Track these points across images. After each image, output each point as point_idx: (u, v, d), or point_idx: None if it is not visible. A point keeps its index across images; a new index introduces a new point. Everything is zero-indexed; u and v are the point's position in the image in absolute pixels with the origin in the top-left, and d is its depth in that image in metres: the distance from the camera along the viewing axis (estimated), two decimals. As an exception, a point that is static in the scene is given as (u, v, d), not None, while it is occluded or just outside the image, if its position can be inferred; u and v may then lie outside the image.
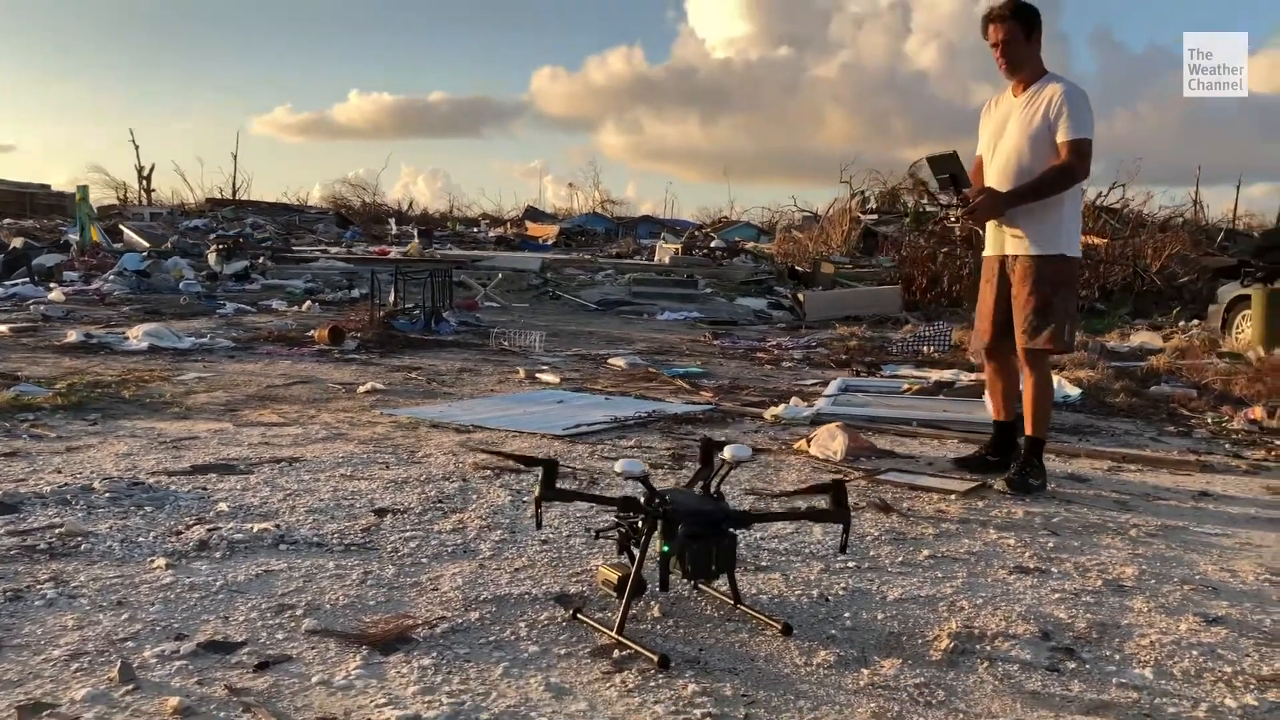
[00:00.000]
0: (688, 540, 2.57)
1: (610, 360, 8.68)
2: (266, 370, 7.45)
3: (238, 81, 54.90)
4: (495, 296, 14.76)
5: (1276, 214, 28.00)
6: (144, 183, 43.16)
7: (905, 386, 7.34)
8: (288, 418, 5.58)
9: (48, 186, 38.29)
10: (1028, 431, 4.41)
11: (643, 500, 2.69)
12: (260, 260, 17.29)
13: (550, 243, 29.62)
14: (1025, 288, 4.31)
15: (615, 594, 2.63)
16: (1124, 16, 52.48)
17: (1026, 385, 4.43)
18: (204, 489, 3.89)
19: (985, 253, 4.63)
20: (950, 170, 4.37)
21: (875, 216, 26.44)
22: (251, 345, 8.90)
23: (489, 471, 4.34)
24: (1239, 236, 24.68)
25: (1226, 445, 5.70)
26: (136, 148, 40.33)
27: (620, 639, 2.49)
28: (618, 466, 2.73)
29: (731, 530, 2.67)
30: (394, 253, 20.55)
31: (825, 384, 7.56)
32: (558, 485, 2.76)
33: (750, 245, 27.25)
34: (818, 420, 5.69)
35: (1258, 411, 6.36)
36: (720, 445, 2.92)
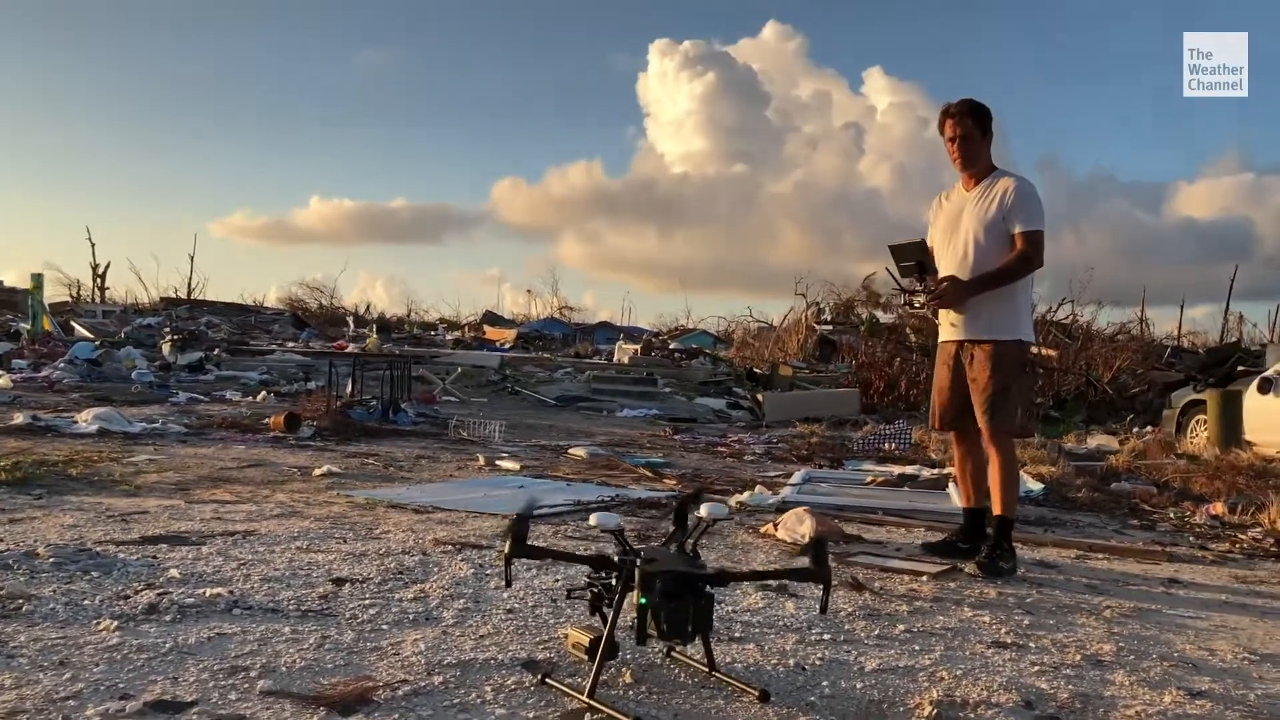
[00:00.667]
0: (664, 599, 2.48)
1: (571, 450, 8.58)
2: (220, 454, 7.27)
3: (197, 184, 55.07)
4: (454, 391, 14.65)
5: (1219, 332, 28.75)
6: (98, 280, 42.82)
7: (869, 479, 7.31)
8: (241, 496, 5.43)
9: (0, 283, 37.79)
10: (996, 511, 4.40)
11: (617, 558, 2.60)
12: (215, 352, 17.08)
13: (508, 346, 29.64)
14: (985, 372, 4.36)
15: (587, 657, 2.52)
16: (1067, 144, 54.45)
17: (992, 466, 4.43)
18: (154, 558, 3.74)
19: (941, 338, 4.69)
20: (916, 258, 4.44)
21: (830, 326, 26.81)
22: (204, 431, 8.71)
23: (450, 546, 4.21)
24: (1184, 353, 25.27)
25: (1190, 539, 5.69)
26: (93, 245, 40.22)
27: (592, 703, 2.38)
28: (593, 519, 2.65)
29: (709, 590, 2.58)
30: (352, 348, 20.40)
31: (789, 475, 7.51)
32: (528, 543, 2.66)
33: (708, 351, 27.44)
34: (783, 507, 5.63)
35: (1219, 507, 6.39)
36: (696, 502, 2.85)
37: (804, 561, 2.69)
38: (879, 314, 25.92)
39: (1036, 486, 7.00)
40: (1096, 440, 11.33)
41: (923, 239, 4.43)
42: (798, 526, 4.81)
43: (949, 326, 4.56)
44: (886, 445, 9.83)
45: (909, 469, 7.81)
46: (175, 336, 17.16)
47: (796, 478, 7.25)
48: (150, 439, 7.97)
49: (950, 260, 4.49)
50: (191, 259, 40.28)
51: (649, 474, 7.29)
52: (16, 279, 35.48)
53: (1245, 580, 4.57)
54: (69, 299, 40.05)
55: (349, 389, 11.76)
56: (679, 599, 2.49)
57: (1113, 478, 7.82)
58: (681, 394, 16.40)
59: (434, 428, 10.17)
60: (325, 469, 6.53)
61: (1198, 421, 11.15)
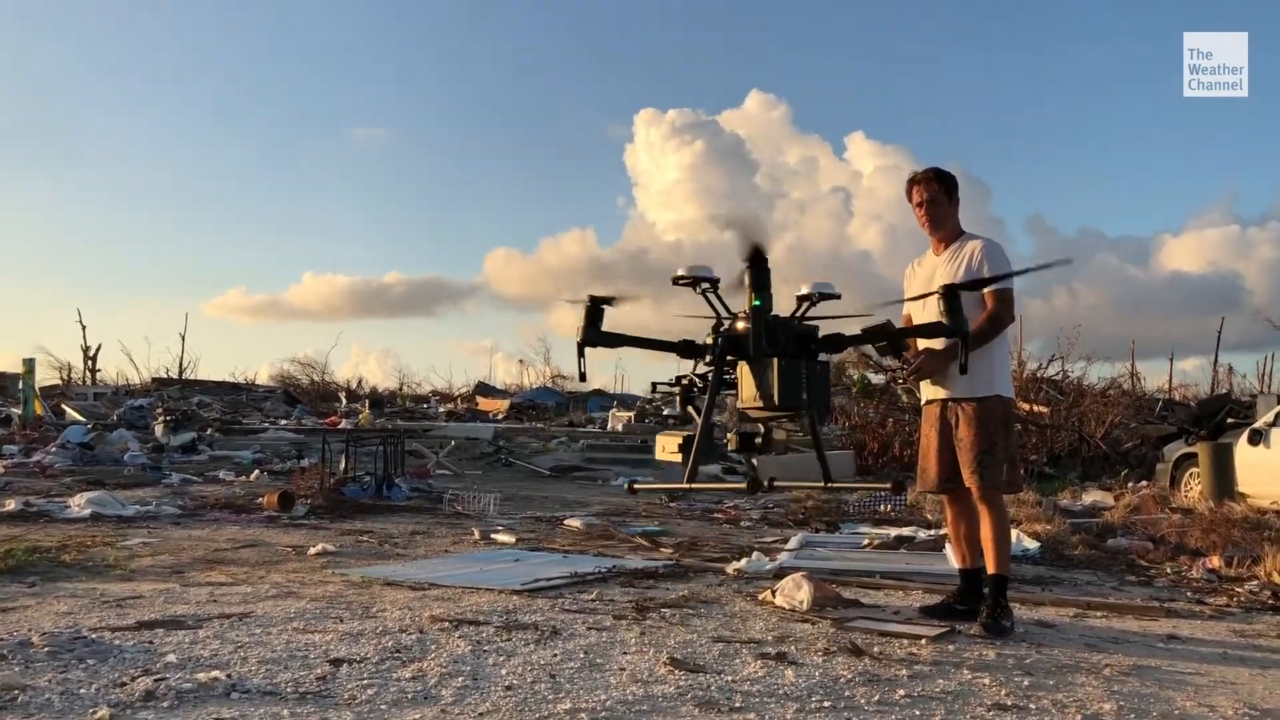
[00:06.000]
0: (783, 364, 2.64)
1: (567, 521, 8.56)
2: (214, 535, 7.24)
3: (190, 264, 55.27)
4: (448, 464, 14.62)
5: (1210, 384, 28.84)
6: (90, 363, 42.73)
7: (866, 542, 7.30)
8: (237, 578, 5.40)
9: (-11, 368, 37.71)
10: (991, 569, 4.41)
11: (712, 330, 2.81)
12: (208, 431, 17.04)
13: (501, 416, 29.59)
14: (970, 430, 4.42)
15: (680, 454, 2.67)
16: (1054, 202, 55.10)
17: (984, 524, 4.46)
18: (150, 643, 3.72)
19: (924, 400, 4.75)
20: (887, 338, 4.51)
21: (823, 388, 26.80)
22: (198, 512, 8.67)
23: (447, 623, 4.20)
24: (1176, 406, 25.32)
25: (1188, 593, 5.69)
26: (84, 328, 40.09)
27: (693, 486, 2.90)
28: (681, 269, 2.89)
29: (823, 357, 2.74)
30: (344, 423, 20.39)
31: (785, 540, 7.50)
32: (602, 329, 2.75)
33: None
34: (781, 573, 5.62)
35: (1215, 560, 6.39)
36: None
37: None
38: (870, 375, 26.01)
39: (1033, 545, 6.99)
40: (1092, 496, 11.31)
41: (887, 320, 4.51)
42: (796, 593, 4.81)
43: (931, 388, 4.63)
44: (882, 507, 9.82)
45: (905, 530, 7.80)
46: (168, 418, 17.11)
47: (793, 543, 7.24)
48: (144, 522, 7.94)
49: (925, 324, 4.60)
50: (183, 338, 39.99)
51: (646, 543, 7.27)
52: (7, 364, 35.39)
53: (1244, 634, 4.57)
54: (60, 381, 39.96)
55: (342, 465, 11.72)
56: (793, 360, 2.55)
57: (1109, 534, 7.81)
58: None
59: (428, 502, 10.14)
60: (320, 547, 6.51)
61: (1191, 474, 11.18)
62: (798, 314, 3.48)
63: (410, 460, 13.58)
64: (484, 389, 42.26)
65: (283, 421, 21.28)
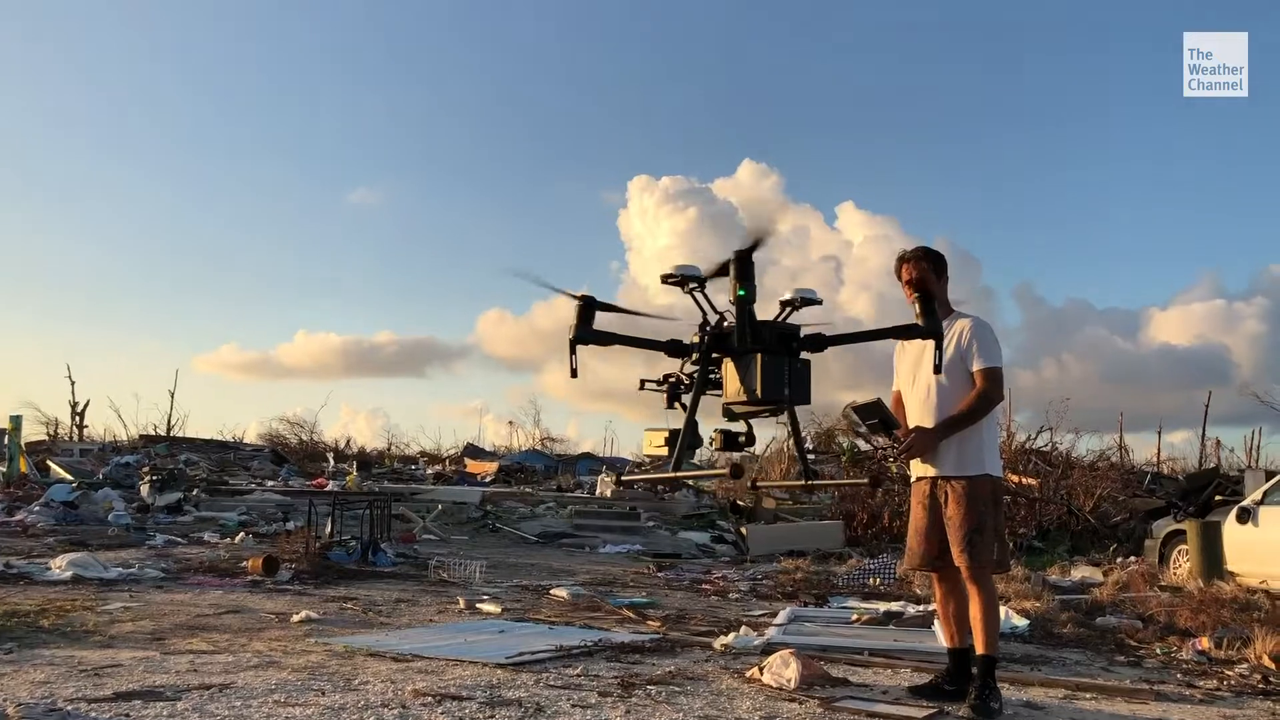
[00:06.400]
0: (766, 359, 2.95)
1: (553, 591, 8.48)
2: (197, 600, 7.16)
3: (182, 321, 55.22)
4: (434, 529, 14.52)
5: (1198, 458, 28.90)
6: (77, 419, 42.46)
7: (855, 616, 7.25)
8: (218, 645, 5.34)
9: (-25, 422, 37.44)
10: (980, 649, 4.39)
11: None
12: (194, 492, 16.92)
13: (489, 479, 29.45)
14: (960, 509, 4.44)
15: (666, 448, 2.82)
16: (1042, 273, 55.49)
17: (973, 603, 4.45)
18: (127, 715, 3.67)
19: (913, 477, 4.76)
20: (878, 415, 4.54)
21: (813, 456, 26.83)
22: (181, 576, 8.58)
23: (430, 698, 4.15)
24: (1164, 479, 25.33)
25: (1178, 675, 5.65)
26: (73, 383, 39.95)
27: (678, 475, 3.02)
28: (670, 268, 3.35)
29: (804, 356, 3.14)
30: (331, 485, 20.27)
31: (774, 614, 7.44)
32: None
33: (690, 481, 27.35)
34: (769, 649, 5.57)
35: (1205, 642, 6.36)
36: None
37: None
38: (859, 443, 26.00)
39: (1022, 622, 6.95)
40: (1080, 572, 11.28)
41: (879, 398, 4.54)
42: (784, 670, 4.76)
43: (920, 465, 4.65)
44: (872, 580, 9.76)
45: (894, 605, 7.75)
46: (154, 477, 16.99)
47: (781, 617, 7.18)
48: (126, 585, 7.85)
49: (915, 402, 4.67)
50: (172, 395, 39.81)
51: (632, 615, 7.20)
52: (-6, 417, 35.18)
53: (1234, 719, 4.53)
54: (47, 437, 39.70)
55: (328, 529, 11.63)
56: (776, 356, 2.78)
57: (1098, 611, 7.77)
58: (665, 528, 16.28)
59: (414, 568, 10.05)
60: (304, 614, 6.43)
61: (1179, 551, 11.15)
62: (780, 317, 3.71)
63: (397, 525, 13.49)
64: (473, 451, 42.09)
65: (269, 483, 21.14)
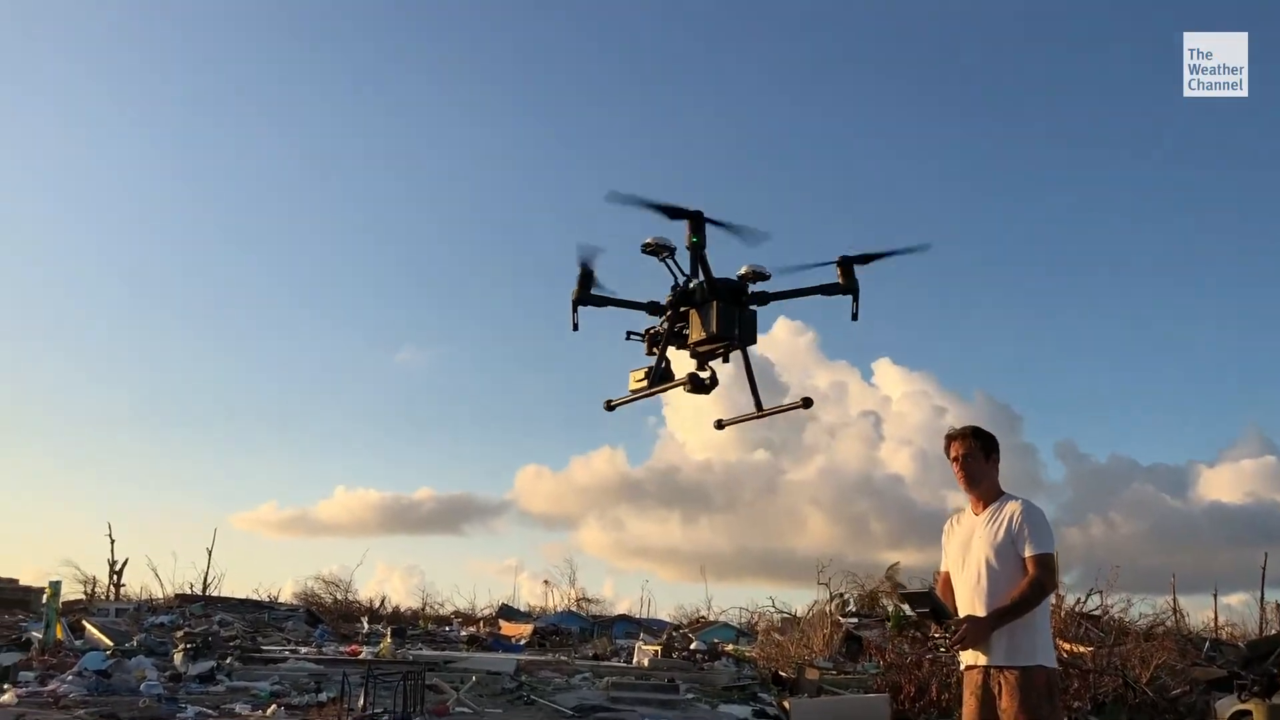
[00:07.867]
0: (721, 305, 4.29)
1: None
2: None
3: (222, 478, 55.93)
4: (468, 701, 14.18)
5: (1258, 624, 27.92)
6: (115, 578, 42.44)
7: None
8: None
9: (15, 581, 37.34)
10: None
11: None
12: (227, 660, 16.75)
13: (524, 642, 28.94)
14: (1014, 703, 4.33)
15: (645, 382, 4.43)
16: (1083, 429, 55.21)
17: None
18: None
19: (965, 664, 4.65)
20: (929, 605, 4.49)
21: (856, 620, 26.20)
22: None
23: None
24: (1224, 647, 24.42)
25: None
26: (112, 542, 40.18)
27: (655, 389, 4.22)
28: (648, 239, 4.73)
29: (752, 307, 4.18)
30: (365, 652, 19.98)
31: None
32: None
33: (730, 647, 26.70)
34: None
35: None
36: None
37: None
38: (905, 608, 25.36)
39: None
40: (1142, 753, 10.78)
41: (931, 588, 4.52)
42: None
43: (972, 653, 4.54)
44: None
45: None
46: (187, 645, 16.84)
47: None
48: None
49: (964, 586, 4.57)
50: (209, 553, 39.96)
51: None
52: (32, 577, 35.27)
53: None
54: (84, 595, 39.64)
55: (360, 701, 11.43)
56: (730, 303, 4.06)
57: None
58: (705, 700, 15.82)
59: (448, 747, 9.78)
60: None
61: (1246, 733, 10.65)
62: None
63: (430, 695, 13.24)
64: (507, 612, 41.54)
65: (304, 650, 20.89)
